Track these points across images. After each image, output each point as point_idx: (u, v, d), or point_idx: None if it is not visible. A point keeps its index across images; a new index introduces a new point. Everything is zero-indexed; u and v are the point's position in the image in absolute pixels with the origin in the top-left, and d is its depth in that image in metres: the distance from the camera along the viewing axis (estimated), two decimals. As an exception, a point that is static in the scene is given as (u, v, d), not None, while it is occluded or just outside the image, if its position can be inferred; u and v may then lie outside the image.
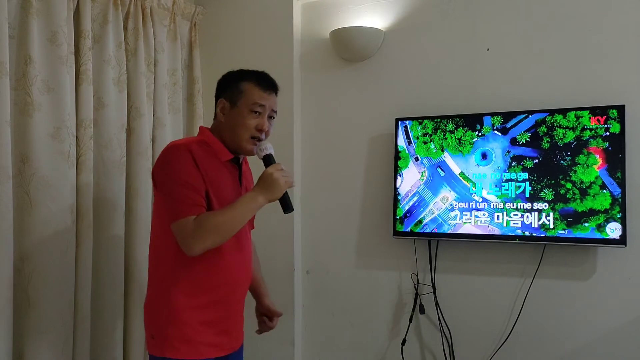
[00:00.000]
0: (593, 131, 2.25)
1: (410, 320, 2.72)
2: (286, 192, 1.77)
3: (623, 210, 2.26)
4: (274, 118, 1.85)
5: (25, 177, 2.13)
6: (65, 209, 2.23)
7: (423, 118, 2.62)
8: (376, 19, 2.81)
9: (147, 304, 1.84)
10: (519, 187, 2.41)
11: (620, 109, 2.29)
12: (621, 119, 2.28)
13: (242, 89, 1.79)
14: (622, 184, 2.25)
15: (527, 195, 2.40)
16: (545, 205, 2.36)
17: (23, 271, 2.13)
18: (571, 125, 2.28)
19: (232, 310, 1.86)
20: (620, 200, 2.23)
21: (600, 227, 2.26)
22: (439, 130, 2.51)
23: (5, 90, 2.03)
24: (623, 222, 2.26)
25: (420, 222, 2.55)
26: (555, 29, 2.51)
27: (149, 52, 2.67)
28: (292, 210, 1.79)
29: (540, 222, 2.37)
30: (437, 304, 2.67)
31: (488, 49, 2.62)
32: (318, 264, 2.95)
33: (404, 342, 2.72)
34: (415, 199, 2.52)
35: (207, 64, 3.05)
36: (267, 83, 1.82)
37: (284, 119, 2.88)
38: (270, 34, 2.95)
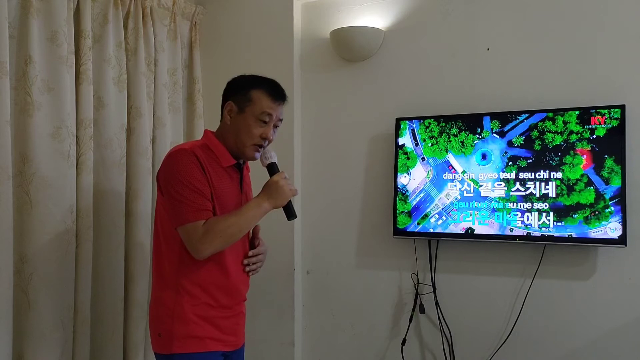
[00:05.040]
0: (579, 135, 2.37)
1: (410, 320, 2.72)
2: (290, 200, 1.84)
3: (623, 210, 2.27)
4: (278, 127, 1.89)
5: (25, 177, 2.13)
6: (65, 209, 2.23)
7: (423, 118, 2.63)
8: (376, 19, 2.81)
9: (153, 304, 1.87)
10: (518, 187, 2.44)
11: (621, 108, 2.32)
12: (621, 119, 2.31)
13: (252, 97, 1.81)
14: (608, 181, 2.31)
15: (525, 194, 2.43)
16: (546, 205, 2.39)
17: (23, 272, 2.13)
18: (559, 130, 2.40)
19: (235, 310, 1.90)
20: (605, 195, 2.31)
21: (588, 220, 2.33)
22: (443, 134, 2.60)
23: (5, 90, 2.02)
24: (623, 222, 2.27)
25: (426, 215, 2.60)
26: (555, 29, 2.51)
27: (149, 52, 2.67)
28: (296, 217, 1.86)
29: (540, 222, 2.40)
30: (437, 304, 2.67)
31: (488, 49, 2.62)
32: (318, 264, 2.95)
33: (404, 342, 2.72)
34: (422, 195, 2.63)
35: (207, 64, 3.04)
36: (277, 93, 1.84)
37: (284, 119, 2.87)
38: (270, 34, 2.94)
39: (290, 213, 1.85)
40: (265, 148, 1.86)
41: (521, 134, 2.46)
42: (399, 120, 2.68)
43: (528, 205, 2.42)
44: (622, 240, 2.27)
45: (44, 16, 2.19)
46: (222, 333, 1.84)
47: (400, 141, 2.67)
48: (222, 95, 1.90)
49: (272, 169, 1.86)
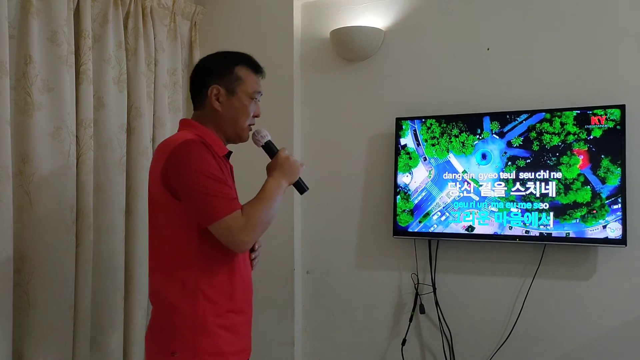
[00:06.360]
0: (576, 135, 2.39)
1: (410, 320, 2.72)
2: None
3: (623, 210, 2.28)
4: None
5: (25, 177, 2.13)
6: (65, 209, 2.23)
7: (424, 118, 2.63)
8: (376, 19, 2.81)
9: (161, 316, 1.68)
10: (518, 187, 2.45)
11: (621, 108, 2.32)
12: (620, 119, 2.31)
13: (240, 76, 1.71)
14: (604, 180, 2.32)
15: (525, 194, 2.43)
16: (545, 205, 2.39)
17: (23, 271, 2.13)
18: (557, 131, 2.43)
19: (249, 313, 1.79)
20: (601, 194, 2.33)
21: (585, 219, 2.34)
22: (445, 134, 2.61)
23: (5, 90, 2.02)
24: (623, 222, 2.27)
25: (428, 214, 2.61)
26: (555, 29, 2.51)
27: (149, 52, 2.67)
28: (308, 189, 1.82)
29: (539, 222, 2.40)
30: (437, 304, 2.67)
31: (488, 49, 2.62)
32: (318, 264, 2.95)
33: (404, 342, 2.72)
34: (423, 194, 2.65)
35: (207, 64, 3.04)
36: (259, 68, 1.77)
37: (284, 119, 2.89)
38: (270, 33, 2.94)
39: (302, 187, 1.80)
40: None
41: (520, 135, 2.48)
42: (399, 120, 2.68)
43: (528, 205, 2.43)
44: (622, 240, 2.27)
45: (44, 16, 2.19)
46: (243, 340, 1.74)
47: (403, 141, 2.68)
48: (196, 80, 1.76)
49: (270, 146, 1.78)
